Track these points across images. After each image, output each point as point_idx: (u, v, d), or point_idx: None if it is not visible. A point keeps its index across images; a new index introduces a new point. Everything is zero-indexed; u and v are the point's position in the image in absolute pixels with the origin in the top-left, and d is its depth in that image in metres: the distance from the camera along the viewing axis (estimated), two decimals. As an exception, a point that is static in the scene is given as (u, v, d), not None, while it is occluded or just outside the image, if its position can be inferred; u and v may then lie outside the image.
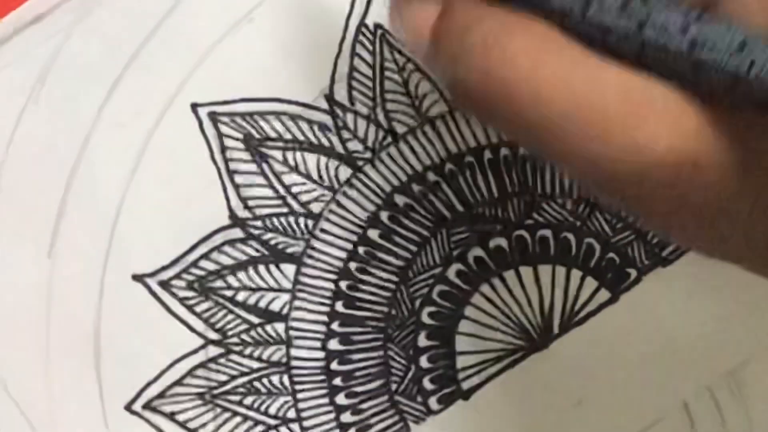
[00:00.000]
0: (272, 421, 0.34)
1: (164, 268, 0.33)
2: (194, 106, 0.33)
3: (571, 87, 0.19)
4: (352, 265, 0.34)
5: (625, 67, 0.19)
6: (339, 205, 0.34)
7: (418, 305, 0.34)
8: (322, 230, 0.34)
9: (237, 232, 0.33)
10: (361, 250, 0.34)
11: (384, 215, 0.34)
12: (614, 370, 0.34)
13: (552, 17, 0.20)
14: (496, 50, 0.19)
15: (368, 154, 0.34)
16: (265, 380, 0.34)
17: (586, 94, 0.19)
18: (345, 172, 0.33)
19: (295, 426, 0.34)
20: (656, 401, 0.34)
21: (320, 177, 0.33)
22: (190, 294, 0.33)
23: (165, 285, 0.33)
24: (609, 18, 0.19)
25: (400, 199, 0.34)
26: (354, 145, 0.33)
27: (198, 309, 0.33)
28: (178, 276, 0.33)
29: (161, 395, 0.33)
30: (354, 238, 0.34)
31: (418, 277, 0.34)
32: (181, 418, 0.34)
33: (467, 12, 0.20)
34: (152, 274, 0.33)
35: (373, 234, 0.34)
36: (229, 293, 0.34)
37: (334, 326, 0.34)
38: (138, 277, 0.33)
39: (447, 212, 0.34)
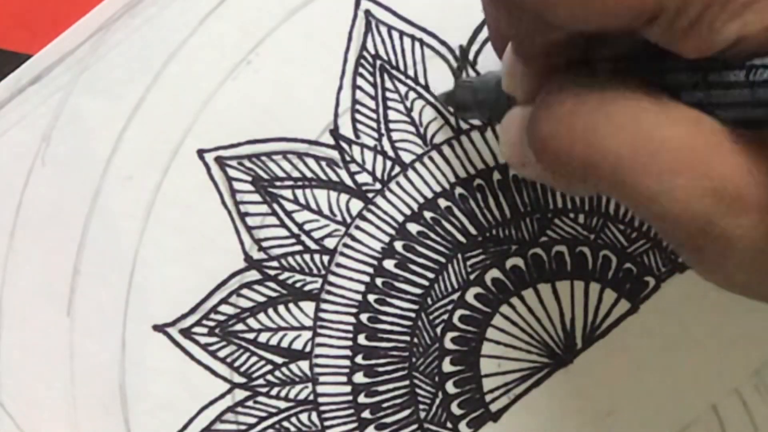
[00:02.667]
0: (304, 459, 0.34)
1: (184, 317, 0.33)
2: (200, 152, 0.33)
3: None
4: (371, 297, 0.34)
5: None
6: (353, 238, 0.33)
7: (440, 331, 0.34)
8: (338, 265, 0.34)
9: (254, 274, 0.33)
10: (378, 281, 0.34)
11: (398, 245, 0.34)
12: (641, 379, 0.34)
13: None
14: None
15: (378, 186, 0.33)
16: (294, 419, 0.34)
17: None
18: (356, 206, 0.33)
19: (327, 462, 0.34)
20: (685, 406, 0.34)
21: (332, 212, 0.33)
22: (212, 340, 0.33)
23: (186, 333, 0.33)
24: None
25: (413, 228, 0.34)
26: (363, 178, 0.33)
27: (221, 354, 0.33)
28: (198, 323, 0.33)
29: (192, 443, 0.33)
30: (370, 270, 0.34)
31: (438, 303, 0.34)
32: (213, 464, 0.34)
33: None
34: (172, 323, 0.33)
35: (389, 264, 0.34)
36: (250, 336, 0.33)
37: (358, 359, 0.34)
38: (159, 327, 0.33)
39: (461, 236, 0.34)
